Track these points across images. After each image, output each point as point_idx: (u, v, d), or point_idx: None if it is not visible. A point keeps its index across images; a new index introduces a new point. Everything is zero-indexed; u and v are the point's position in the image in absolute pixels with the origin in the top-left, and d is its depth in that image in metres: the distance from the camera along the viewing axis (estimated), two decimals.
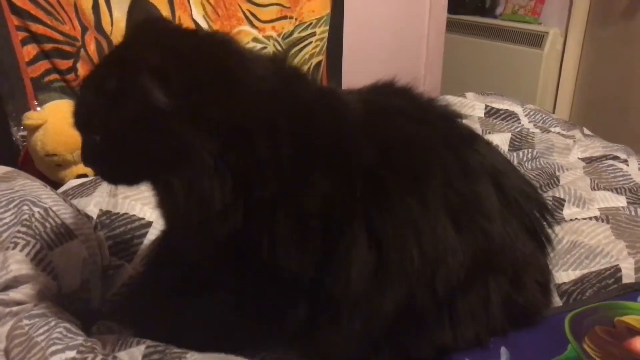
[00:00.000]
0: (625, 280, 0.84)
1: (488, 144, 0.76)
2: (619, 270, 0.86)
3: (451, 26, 2.93)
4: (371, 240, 0.61)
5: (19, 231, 0.77)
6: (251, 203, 0.60)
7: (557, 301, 0.84)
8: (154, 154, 0.59)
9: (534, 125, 1.49)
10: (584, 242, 0.94)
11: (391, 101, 0.71)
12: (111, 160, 0.63)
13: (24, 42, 1.50)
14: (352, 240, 0.61)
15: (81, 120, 0.65)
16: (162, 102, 0.56)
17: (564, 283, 0.87)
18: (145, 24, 0.67)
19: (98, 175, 0.71)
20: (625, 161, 1.28)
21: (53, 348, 0.63)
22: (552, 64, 2.84)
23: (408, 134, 0.66)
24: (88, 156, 0.65)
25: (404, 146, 0.65)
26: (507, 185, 0.69)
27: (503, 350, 0.66)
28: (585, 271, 0.88)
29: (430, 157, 0.65)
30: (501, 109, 1.53)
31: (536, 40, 2.83)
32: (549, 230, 0.78)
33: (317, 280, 0.62)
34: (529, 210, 0.73)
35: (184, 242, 0.66)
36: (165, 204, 0.66)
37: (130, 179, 0.67)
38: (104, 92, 0.59)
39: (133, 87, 0.56)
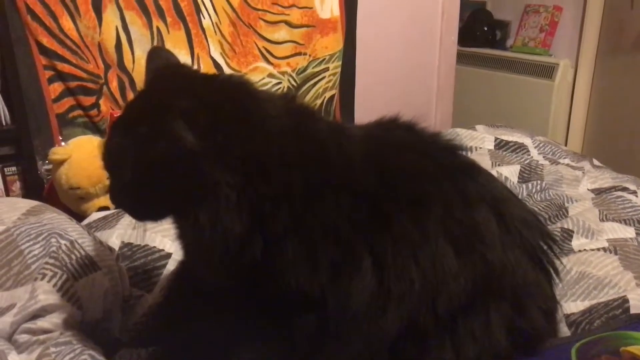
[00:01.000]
0: (633, 311, 0.86)
1: (488, 174, 0.79)
2: (627, 301, 0.87)
3: (463, 58, 2.99)
4: (374, 265, 0.65)
5: (47, 263, 0.81)
6: (267, 233, 0.64)
7: (566, 331, 0.85)
8: (182, 191, 0.63)
9: (544, 157, 1.51)
10: (592, 273, 0.96)
11: (395, 136, 0.75)
12: (141, 199, 0.67)
13: (50, 81, 1.58)
14: (354, 265, 0.65)
15: (111, 162, 0.69)
16: (192, 144, 0.60)
17: (573, 313, 0.88)
18: (167, 70, 0.72)
19: (126, 212, 0.74)
20: (634, 192, 1.30)
21: None
22: (563, 94, 2.87)
23: (410, 166, 0.70)
24: (117, 196, 0.69)
25: (405, 177, 0.69)
26: (507, 213, 0.72)
27: None
28: (594, 302, 0.89)
29: (430, 187, 0.69)
30: (511, 141, 1.56)
31: (547, 71, 2.87)
32: (555, 259, 0.79)
33: (324, 299, 0.66)
34: (531, 238, 0.75)
35: (205, 270, 0.70)
36: (189, 236, 0.70)
37: (157, 216, 0.71)
38: (136, 135, 0.63)
39: (165, 130, 0.61)
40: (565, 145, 2.90)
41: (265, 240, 0.64)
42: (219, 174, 0.62)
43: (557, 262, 0.79)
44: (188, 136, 0.60)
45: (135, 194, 0.67)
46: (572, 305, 0.90)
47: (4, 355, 0.71)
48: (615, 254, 1.00)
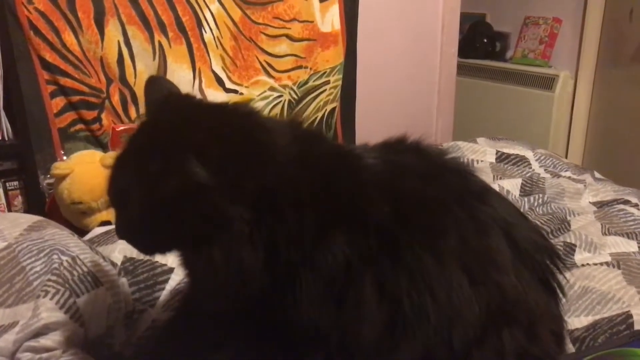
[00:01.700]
0: (636, 327, 0.86)
1: (499, 196, 0.78)
2: (631, 316, 0.87)
3: (463, 70, 3.00)
4: (383, 296, 0.64)
5: (49, 280, 0.81)
6: (278, 265, 0.63)
7: (570, 347, 0.85)
8: (194, 228, 0.62)
9: (545, 170, 1.52)
10: (595, 287, 0.96)
11: (404, 160, 0.74)
12: (149, 234, 0.66)
13: (52, 95, 1.58)
14: (365, 299, 0.64)
15: (118, 197, 0.68)
16: (205, 179, 0.59)
17: (577, 329, 0.88)
18: (171, 102, 0.71)
19: (132, 246, 0.73)
20: (636, 205, 1.30)
21: None
22: (564, 105, 2.88)
23: (421, 192, 0.69)
24: (124, 231, 0.69)
25: (417, 204, 0.68)
26: (518, 237, 0.71)
27: None
28: (598, 317, 0.89)
29: (443, 214, 0.68)
30: (512, 154, 1.56)
31: (547, 83, 2.88)
32: (560, 277, 0.79)
33: (332, 333, 0.65)
34: (540, 259, 0.74)
35: (212, 302, 0.69)
36: (200, 270, 0.69)
37: (165, 250, 0.70)
38: (145, 172, 0.62)
39: (177, 167, 0.60)
40: (566, 156, 2.91)
41: (276, 273, 0.64)
42: (232, 209, 0.61)
43: (562, 279, 0.79)
44: (201, 172, 0.59)
45: (144, 230, 0.66)
46: (575, 320, 0.90)
47: None
48: (619, 268, 1.00)
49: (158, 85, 0.77)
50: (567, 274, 1.00)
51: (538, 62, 2.97)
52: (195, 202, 0.61)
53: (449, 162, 0.77)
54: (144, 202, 0.63)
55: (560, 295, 0.77)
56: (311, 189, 0.65)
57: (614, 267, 1.01)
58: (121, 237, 0.70)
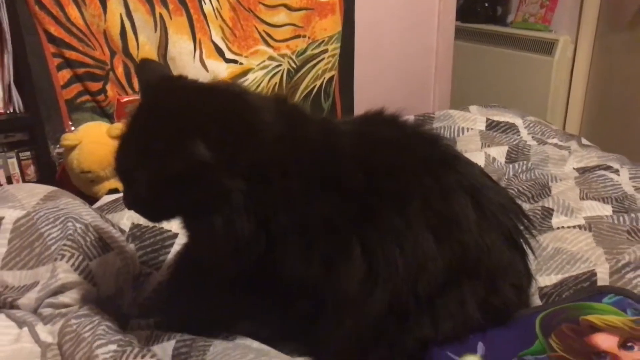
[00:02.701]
0: (600, 284, 0.93)
1: (467, 162, 0.85)
2: (595, 274, 0.94)
3: (463, 34, 3.01)
4: (364, 253, 0.73)
5: (65, 244, 0.89)
6: (269, 231, 0.72)
7: (538, 303, 0.93)
8: (197, 200, 0.70)
9: (532, 137, 1.57)
10: (567, 249, 1.03)
11: (380, 131, 0.82)
12: (155, 206, 0.74)
13: (59, 68, 1.65)
14: (346, 255, 0.73)
15: (125, 176, 0.75)
16: (207, 157, 0.66)
17: (546, 286, 0.95)
18: (165, 84, 0.77)
19: (139, 215, 0.80)
20: (616, 171, 1.36)
21: (98, 342, 0.75)
22: (563, 71, 2.89)
23: (393, 162, 0.77)
24: (132, 202, 0.76)
25: (389, 172, 0.76)
26: (484, 200, 0.79)
27: (480, 345, 0.75)
28: (566, 275, 0.96)
29: (411, 181, 0.76)
30: (502, 122, 1.61)
31: (547, 47, 2.89)
32: (530, 238, 0.87)
33: (318, 284, 0.74)
34: (506, 220, 0.82)
35: (213, 263, 0.78)
36: (201, 236, 0.77)
37: (169, 218, 0.78)
38: (151, 151, 0.69)
39: (182, 146, 0.66)
40: (564, 121, 2.94)
41: (268, 237, 0.72)
42: (230, 182, 0.69)
43: (532, 241, 0.87)
44: (205, 152, 0.66)
45: (150, 202, 0.74)
46: (546, 279, 0.97)
47: (31, 326, 0.79)
48: (590, 230, 1.07)
49: (150, 67, 0.83)
50: (542, 236, 1.08)
51: (539, 26, 2.97)
52: (200, 178, 0.68)
53: (422, 132, 0.85)
54: (150, 180, 0.70)
55: (529, 252, 0.85)
56: (295, 161, 0.73)
57: (585, 229, 1.07)
58: (129, 208, 0.78)
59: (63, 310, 0.84)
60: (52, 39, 1.61)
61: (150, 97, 0.76)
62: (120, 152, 0.74)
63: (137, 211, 0.78)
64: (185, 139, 0.67)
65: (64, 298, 0.85)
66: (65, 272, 0.87)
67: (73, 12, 1.62)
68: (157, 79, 0.77)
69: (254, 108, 0.74)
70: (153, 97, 0.75)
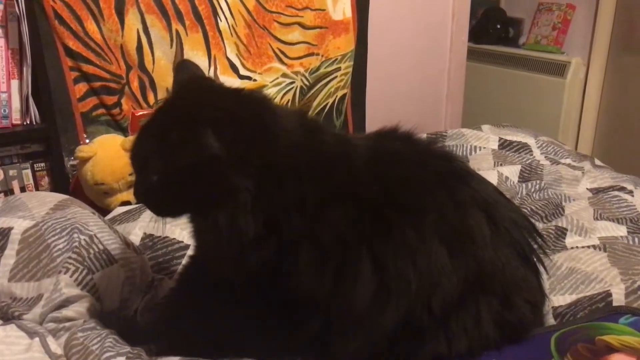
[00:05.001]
0: (615, 304, 0.92)
1: (480, 179, 0.85)
2: (610, 295, 0.93)
3: (475, 55, 3.03)
4: (376, 268, 0.72)
5: (70, 257, 0.90)
6: (281, 237, 0.72)
7: (552, 322, 0.91)
8: (204, 193, 0.71)
9: (545, 157, 1.56)
10: (581, 268, 1.02)
11: (394, 147, 0.82)
12: (164, 197, 0.75)
13: (75, 81, 1.67)
14: (358, 269, 0.72)
15: (140, 162, 0.76)
16: (217, 150, 0.67)
17: (560, 306, 0.94)
18: (194, 82, 0.79)
19: (147, 208, 0.81)
20: (630, 192, 1.35)
21: (106, 355, 0.75)
22: (575, 92, 2.89)
23: (408, 176, 0.77)
24: (142, 193, 0.77)
25: (403, 185, 0.76)
26: (497, 216, 0.79)
27: None
28: (580, 295, 0.95)
29: (426, 195, 0.75)
30: (514, 141, 1.61)
31: (559, 69, 2.90)
32: (543, 256, 0.86)
33: (329, 300, 0.73)
34: (520, 237, 0.81)
35: (218, 266, 0.78)
36: (206, 234, 0.77)
37: (177, 213, 0.79)
38: (165, 141, 0.70)
39: (194, 137, 0.68)
40: (576, 142, 2.93)
41: (279, 244, 0.72)
42: (238, 180, 0.69)
43: (545, 259, 0.86)
44: (214, 144, 0.67)
45: (160, 193, 0.74)
46: (560, 298, 0.96)
47: (42, 337, 0.79)
48: (605, 251, 1.06)
49: (186, 67, 0.86)
50: (556, 256, 1.07)
51: (551, 48, 2.98)
52: (207, 170, 0.69)
53: (435, 149, 0.85)
54: (162, 167, 0.71)
55: (542, 269, 0.84)
56: (311, 169, 0.73)
57: (600, 249, 1.06)
58: (138, 199, 0.78)
59: (67, 324, 0.84)
60: (70, 53, 1.63)
61: (176, 92, 0.78)
62: (138, 140, 0.76)
63: (145, 202, 0.79)
64: (196, 128, 0.68)
65: (67, 312, 0.85)
66: (68, 287, 0.87)
67: (91, 26, 1.64)
68: (187, 77, 0.79)
69: (274, 114, 0.75)
70: (179, 92, 0.77)
